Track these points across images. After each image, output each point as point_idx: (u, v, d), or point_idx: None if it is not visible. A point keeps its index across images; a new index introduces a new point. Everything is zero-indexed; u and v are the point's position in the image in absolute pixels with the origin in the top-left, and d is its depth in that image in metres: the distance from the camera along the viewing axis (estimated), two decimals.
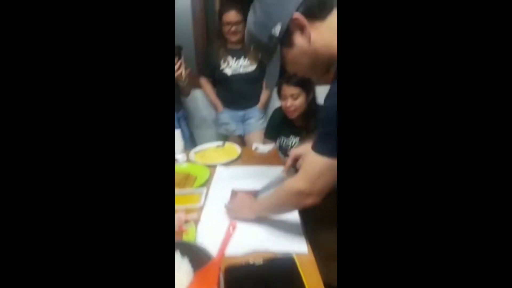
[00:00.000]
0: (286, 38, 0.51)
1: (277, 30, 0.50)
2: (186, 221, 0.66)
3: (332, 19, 0.50)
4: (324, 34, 0.50)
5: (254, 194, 0.74)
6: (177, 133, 1.12)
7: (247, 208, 0.68)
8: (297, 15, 0.48)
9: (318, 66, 0.54)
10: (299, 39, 0.51)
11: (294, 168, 0.81)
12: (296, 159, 0.78)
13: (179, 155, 1.08)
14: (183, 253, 0.50)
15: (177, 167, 0.99)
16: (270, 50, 0.53)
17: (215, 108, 1.59)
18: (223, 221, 0.69)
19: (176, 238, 0.59)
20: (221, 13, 1.43)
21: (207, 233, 0.65)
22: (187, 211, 0.71)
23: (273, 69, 0.55)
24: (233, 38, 1.44)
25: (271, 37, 0.51)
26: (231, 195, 0.79)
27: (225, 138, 1.56)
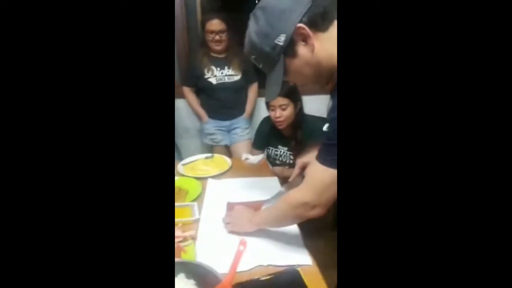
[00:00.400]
0: (289, 48, 0.52)
1: (281, 39, 0.51)
2: (184, 239, 0.64)
3: (333, 30, 0.51)
4: (326, 44, 0.51)
5: (253, 206, 0.73)
6: None
7: (246, 221, 0.67)
8: (301, 25, 0.50)
9: (320, 77, 0.55)
10: (302, 49, 0.52)
11: (302, 176, 0.81)
12: (303, 168, 0.79)
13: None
14: (188, 275, 0.48)
15: None
16: (272, 60, 0.54)
17: (200, 118, 1.56)
18: (222, 237, 0.67)
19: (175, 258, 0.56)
20: (204, 22, 1.43)
21: (207, 251, 0.62)
22: (181, 226, 0.68)
23: (275, 79, 0.55)
24: (217, 47, 1.43)
25: (275, 46, 0.52)
26: (228, 207, 0.77)
27: (210, 148, 1.53)
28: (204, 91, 1.52)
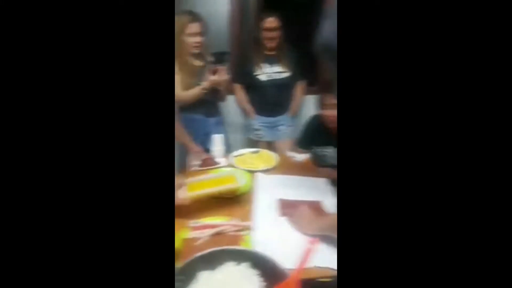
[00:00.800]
0: None
1: None
2: (242, 228, 0.67)
3: None
4: None
5: (312, 206, 0.74)
6: (219, 138, 1.14)
7: (311, 222, 0.67)
8: None
9: None
10: None
11: None
12: None
13: (221, 159, 1.10)
14: (253, 265, 0.51)
15: (221, 170, 1.01)
16: None
17: (247, 114, 1.60)
18: (278, 232, 0.69)
19: (232, 245, 0.60)
20: (259, 19, 1.45)
21: (263, 243, 0.65)
22: (239, 216, 0.72)
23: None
24: (270, 44, 1.45)
25: None
26: (282, 205, 0.79)
27: (254, 143, 1.57)
28: (253, 87, 1.55)
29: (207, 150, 1.14)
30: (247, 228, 0.68)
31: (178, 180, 0.70)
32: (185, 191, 0.72)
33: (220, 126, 1.45)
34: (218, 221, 0.70)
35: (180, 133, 1.06)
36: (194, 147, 1.12)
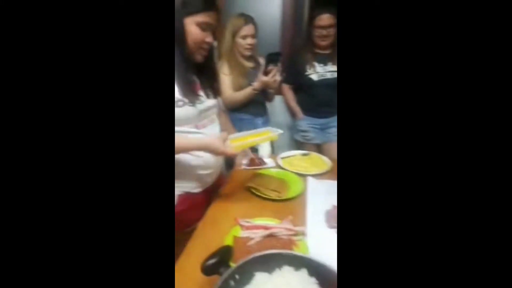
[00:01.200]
0: None
1: None
2: (296, 233, 0.64)
3: None
4: None
5: None
6: None
7: None
8: None
9: None
10: None
11: None
12: None
13: (267, 159, 1.08)
14: (310, 272, 0.48)
15: (268, 171, 0.99)
16: None
17: (295, 114, 1.56)
18: (333, 240, 0.65)
19: (287, 249, 0.57)
20: (312, 17, 1.41)
21: (318, 251, 0.61)
22: (292, 220, 0.69)
23: None
24: (324, 43, 1.40)
25: None
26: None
27: (301, 145, 1.52)
28: (302, 88, 1.51)
29: (254, 150, 1.14)
30: (301, 233, 0.65)
31: (222, 135, 0.74)
32: (229, 143, 0.75)
33: (268, 126, 1.44)
34: (270, 223, 0.68)
35: (229, 131, 1.08)
36: None
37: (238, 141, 0.80)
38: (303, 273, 0.48)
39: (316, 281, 0.47)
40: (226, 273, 0.46)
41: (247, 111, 1.36)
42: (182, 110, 0.71)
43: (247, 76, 1.30)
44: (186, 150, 0.72)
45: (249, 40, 1.26)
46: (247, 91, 1.27)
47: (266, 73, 1.18)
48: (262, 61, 1.39)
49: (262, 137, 0.91)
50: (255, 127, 1.36)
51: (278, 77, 1.20)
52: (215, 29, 0.74)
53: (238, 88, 1.30)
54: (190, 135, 0.75)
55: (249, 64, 1.33)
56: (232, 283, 0.46)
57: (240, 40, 1.26)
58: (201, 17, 0.68)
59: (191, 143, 0.73)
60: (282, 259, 0.49)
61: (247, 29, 1.25)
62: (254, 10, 1.78)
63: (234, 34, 1.26)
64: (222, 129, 0.89)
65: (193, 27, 0.68)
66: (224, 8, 1.71)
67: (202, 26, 0.69)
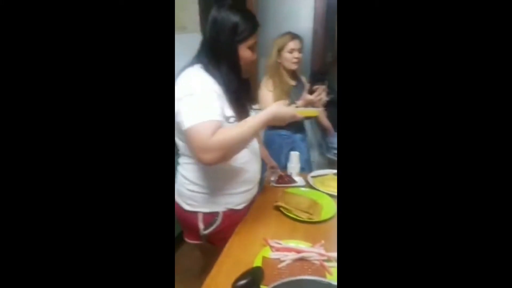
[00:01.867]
0: None
1: None
2: (328, 259, 0.62)
3: None
4: None
5: None
6: (296, 155, 1.12)
7: None
8: None
9: None
10: None
11: None
12: None
13: (297, 178, 1.07)
14: None
15: (299, 190, 0.98)
16: None
17: (326, 131, 1.54)
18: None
19: (319, 276, 0.55)
20: None
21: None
22: (323, 244, 0.66)
23: None
24: None
25: None
26: None
27: (332, 163, 1.49)
28: (334, 104, 1.49)
29: (283, 168, 1.13)
30: (334, 259, 0.62)
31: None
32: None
33: (305, 143, 1.43)
34: (301, 246, 0.66)
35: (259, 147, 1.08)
36: (271, 162, 1.12)
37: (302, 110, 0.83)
38: None
39: None
40: None
41: (286, 127, 1.36)
42: (229, 125, 0.72)
43: (291, 93, 1.32)
44: (255, 130, 0.66)
45: (296, 54, 1.31)
46: (290, 110, 1.28)
47: (311, 92, 1.18)
48: (304, 80, 1.42)
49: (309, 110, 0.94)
50: (293, 143, 1.37)
51: (324, 97, 1.19)
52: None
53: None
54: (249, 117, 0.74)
55: (292, 82, 1.36)
56: None
57: (287, 54, 1.31)
58: (251, 40, 0.72)
59: (257, 121, 0.66)
60: (314, 286, 0.48)
61: (294, 44, 1.30)
62: (286, 26, 1.84)
63: (281, 49, 1.31)
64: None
65: (246, 51, 0.73)
66: (256, 16, 1.79)
67: (253, 48, 0.74)
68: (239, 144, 0.66)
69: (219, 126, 0.63)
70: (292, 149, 1.36)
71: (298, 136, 1.39)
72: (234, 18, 0.70)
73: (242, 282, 0.49)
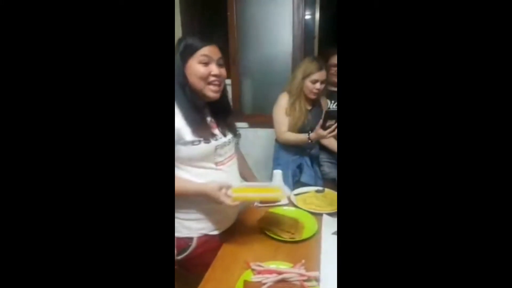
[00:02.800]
0: None
1: None
2: (308, 279, 0.63)
3: None
4: None
5: None
6: (278, 173, 1.15)
7: None
8: None
9: None
10: None
11: None
12: None
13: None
14: None
15: (281, 210, 1.00)
16: None
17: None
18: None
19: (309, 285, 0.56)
20: (325, 54, 1.50)
21: None
22: (304, 263, 0.67)
23: None
24: (336, 79, 1.46)
25: None
26: None
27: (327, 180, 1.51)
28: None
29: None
30: (314, 279, 0.63)
31: (223, 185, 0.72)
32: (231, 193, 0.72)
33: (315, 161, 1.46)
34: (282, 267, 0.67)
35: (242, 167, 1.09)
36: (255, 180, 1.14)
37: (242, 192, 0.77)
38: None
39: None
40: None
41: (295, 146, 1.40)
42: (197, 148, 0.73)
43: (306, 121, 1.35)
44: (186, 194, 0.73)
45: (318, 85, 1.31)
46: (301, 138, 1.31)
47: (324, 127, 1.21)
48: (324, 103, 1.44)
49: (267, 195, 0.86)
50: (301, 159, 1.40)
51: (335, 135, 1.21)
52: (221, 61, 0.78)
53: (293, 129, 1.35)
54: (192, 178, 0.76)
55: (309, 107, 1.38)
56: None
57: (309, 84, 1.32)
58: (200, 53, 0.73)
59: (191, 188, 0.74)
60: None
61: (319, 75, 1.30)
62: (265, 50, 1.93)
63: (305, 77, 1.32)
64: (240, 170, 0.92)
65: (195, 65, 0.74)
66: (236, 40, 1.85)
67: (203, 61, 0.74)
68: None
69: None
70: (299, 166, 1.40)
71: (308, 153, 1.42)
72: (182, 37, 0.75)
73: None
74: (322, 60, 1.35)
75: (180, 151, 0.72)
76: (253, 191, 0.83)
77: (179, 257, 0.79)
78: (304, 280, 0.63)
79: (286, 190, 1.09)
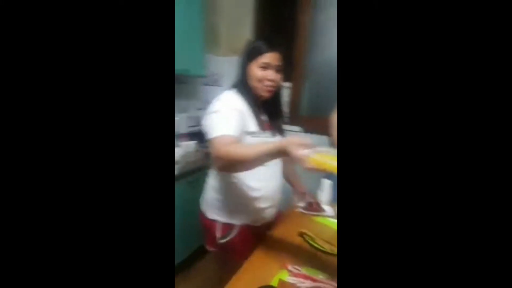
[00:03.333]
0: None
1: None
2: None
3: None
4: None
5: None
6: (328, 183, 1.14)
7: None
8: None
9: None
10: None
11: None
12: None
13: (326, 207, 1.08)
14: None
15: (325, 220, 0.99)
16: None
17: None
18: None
19: None
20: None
21: None
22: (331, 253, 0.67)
23: None
24: None
25: None
26: None
27: None
28: None
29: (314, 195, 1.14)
30: None
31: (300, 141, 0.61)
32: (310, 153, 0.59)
33: None
34: (318, 275, 0.68)
35: (290, 171, 1.11)
36: (301, 187, 1.15)
37: (320, 157, 0.61)
38: None
39: None
40: None
41: None
42: (255, 140, 0.80)
43: None
44: (261, 153, 0.66)
45: None
46: None
47: None
48: None
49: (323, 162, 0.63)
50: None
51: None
52: (279, 68, 0.84)
53: None
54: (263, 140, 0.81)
55: None
56: None
57: None
58: (261, 60, 0.81)
59: (265, 147, 0.65)
60: None
61: None
62: (332, 53, 1.88)
63: None
64: (285, 172, 0.96)
65: (255, 69, 0.82)
66: (302, 45, 1.87)
67: (262, 66, 0.82)
68: (245, 160, 0.67)
69: (233, 140, 0.72)
70: (327, 177, 1.37)
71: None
72: (251, 40, 0.83)
73: None
74: None
75: (244, 139, 0.80)
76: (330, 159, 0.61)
77: (222, 240, 0.87)
78: None
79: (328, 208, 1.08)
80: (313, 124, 1.96)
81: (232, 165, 0.70)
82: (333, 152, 0.58)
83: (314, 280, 0.65)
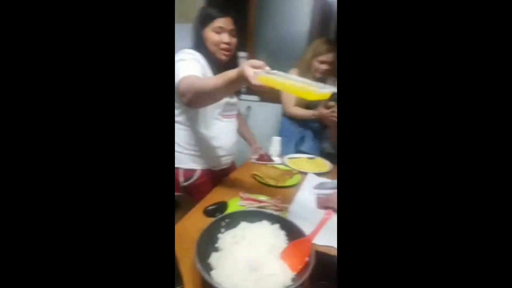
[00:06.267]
0: None
1: None
2: (280, 208, 0.84)
3: None
4: None
5: None
6: (277, 140, 1.35)
7: None
8: None
9: None
10: None
11: None
12: None
13: (275, 158, 1.29)
14: (281, 227, 0.67)
15: (274, 166, 1.20)
16: None
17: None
18: (310, 215, 0.83)
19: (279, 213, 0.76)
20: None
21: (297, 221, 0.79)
22: (280, 198, 0.88)
23: None
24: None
25: None
26: (324, 200, 0.92)
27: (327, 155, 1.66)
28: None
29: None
30: (285, 209, 0.84)
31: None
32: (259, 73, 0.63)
33: (317, 135, 1.59)
34: (263, 198, 0.88)
35: (245, 129, 1.32)
36: (256, 143, 1.34)
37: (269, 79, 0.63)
38: (276, 226, 0.67)
39: (285, 233, 0.66)
40: (219, 217, 0.67)
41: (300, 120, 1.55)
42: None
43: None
44: (223, 81, 0.68)
45: (324, 66, 1.42)
46: (307, 113, 1.46)
47: (327, 107, 1.35)
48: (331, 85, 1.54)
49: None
50: (304, 132, 1.54)
51: (335, 115, 1.33)
52: (233, 32, 0.96)
53: (300, 105, 1.50)
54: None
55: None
56: (222, 223, 0.67)
57: (316, 64, 1.43)
58: (214, 24, 0.93)
59: (226, 74, 0.68)
60: (262, 216, 0.69)
61: (327, 57, 1.41)
62: (283, 29, 2.04)
63: (314, 56, 1.43)
64: (241, 129, 1.16)
65: (210, 33, 0.94)
66: (253, 14, 1.98)
67: (216, 31, 0.94)
68: (209, 90, 0.72)
69: (197, 78, 0.79)
70: (302, 137, 1.55)
71: (311, 127, 1.56)
72: (203, 6, 0.95)
73: (211, 207, 0.71)
74: (334, 42, 1.44)
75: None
76: (281, 86, 0.64)
77: (185, 183, 1.03)
78: (277, 210, 0.83)
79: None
80: (268, 93, 2.13)
81: (198, 96, 0.76)
82: (281, 74, 0.65)
83: (259, 201, 0.85)
